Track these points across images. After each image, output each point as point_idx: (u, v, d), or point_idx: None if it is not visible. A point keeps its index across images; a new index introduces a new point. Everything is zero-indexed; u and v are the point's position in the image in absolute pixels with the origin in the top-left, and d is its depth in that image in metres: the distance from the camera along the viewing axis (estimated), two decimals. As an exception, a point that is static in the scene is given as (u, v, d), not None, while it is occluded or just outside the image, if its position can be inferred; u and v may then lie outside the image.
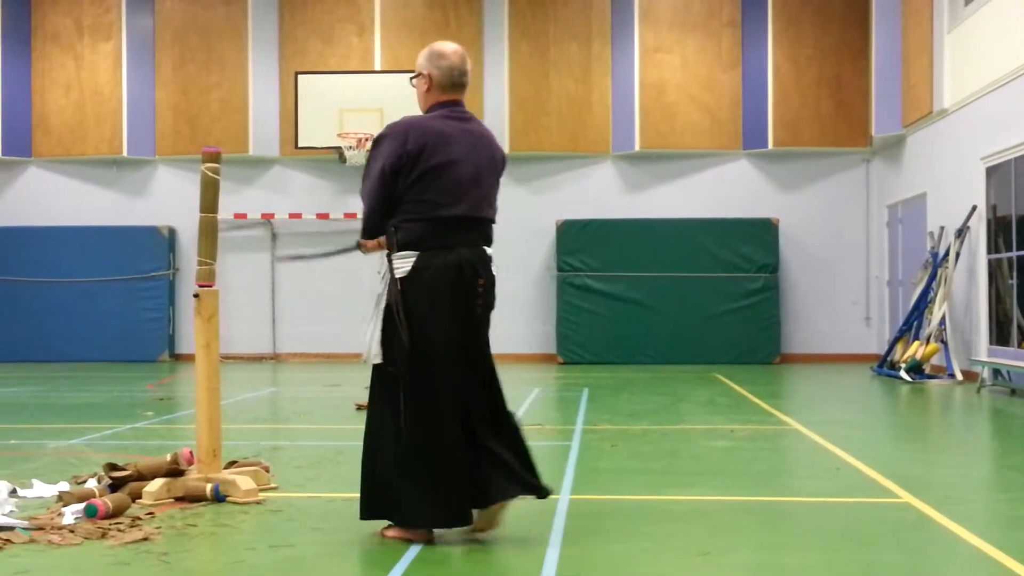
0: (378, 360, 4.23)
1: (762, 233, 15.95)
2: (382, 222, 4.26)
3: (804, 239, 16.32)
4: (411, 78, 4.42)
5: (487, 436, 4.22)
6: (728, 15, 16.34)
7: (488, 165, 4.35)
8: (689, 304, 15.87)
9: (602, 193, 16.58)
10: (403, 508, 4.17)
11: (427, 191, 4.19)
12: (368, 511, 4.29)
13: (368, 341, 4.26)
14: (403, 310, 4.15)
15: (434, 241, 4.18)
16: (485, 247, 4.32)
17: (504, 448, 4.24)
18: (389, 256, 4.23)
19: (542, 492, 4.30)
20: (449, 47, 4.38)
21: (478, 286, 4.25)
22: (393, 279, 4.20)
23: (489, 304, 4.33)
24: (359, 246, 4.44)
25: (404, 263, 4.18)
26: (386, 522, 4.32)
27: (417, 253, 4.17)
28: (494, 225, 4.41)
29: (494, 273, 4.35)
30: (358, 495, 4.38)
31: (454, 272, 4.18)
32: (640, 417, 8.79)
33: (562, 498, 5.15)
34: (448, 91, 4.33)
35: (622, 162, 16.63)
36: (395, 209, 4.23)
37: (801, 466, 6.57)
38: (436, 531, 4.25)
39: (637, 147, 16.20)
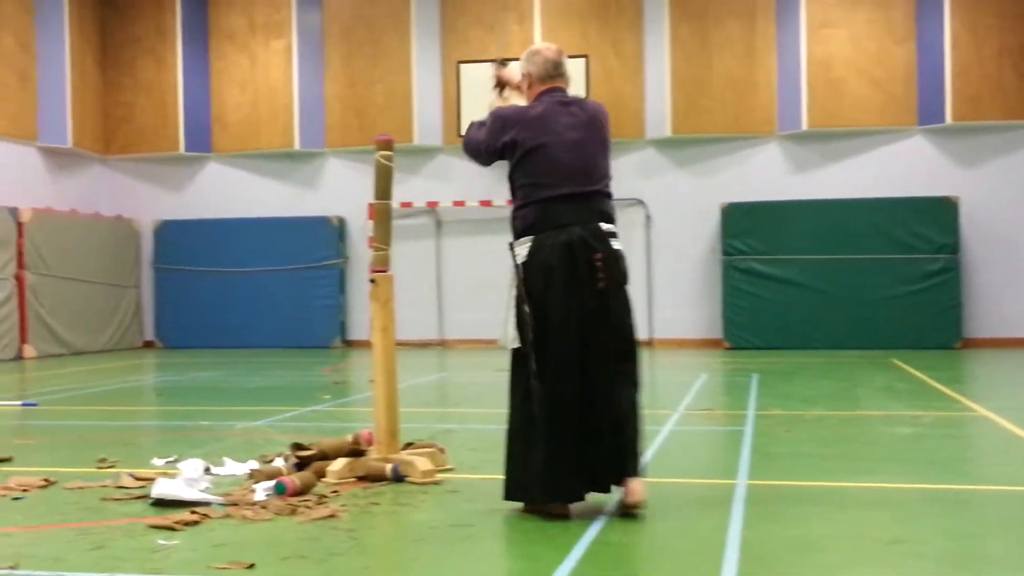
0: (516, 344, 4.39)
1: (940, 212, 15.25)
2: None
3: (987, 218, 15.51)
4: (517, 85, 4.67)
5: (606, 414, 4.32)
6: (901, -15, 15.67)
7: (591, 140, 4.46)
8: (862, 287, 15.33)
9: (768, 174, 16.19)
10: (530, 484, 4.34)
11: (530, 174, 4.40)
12: (507, 492, 4.45)
13: (504, 327, 4.46)
14: (525, 294, 4.33)
15: (544, 223, 4.35)
16: (601, 223, 4.38)
17: (610, 431, 4.32)
18: (511, 244, 4.45)
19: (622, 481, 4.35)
20: (543, 45, 4.64)
21: (595, 260, 4.30)
22: (516, 265, 4.40)
23: (615, 278, 4.36)
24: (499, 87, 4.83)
25: (522, 249, 4.39)
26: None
27: (532, 237, 4.37)
28: (610, 199, 4.48)
29: (616, 247, 4.39)
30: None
31: (564, 250, 4.30)
32: (815, 403, 8.55)
33: (739, 483, 5.05)
34: (546, 83, 4.55)
35: (788, 142, 16.19)
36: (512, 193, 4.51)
37: (992, 453, 6.26)
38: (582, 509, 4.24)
39: (804, 126, 15.73)
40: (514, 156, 4.44)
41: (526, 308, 4.32)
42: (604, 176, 4.49)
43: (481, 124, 4.65)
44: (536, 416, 4.30)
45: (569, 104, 4.50)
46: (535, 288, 4.32)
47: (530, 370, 4.33)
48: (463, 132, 15.98)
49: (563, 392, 4.28)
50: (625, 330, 4.41)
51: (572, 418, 4.28)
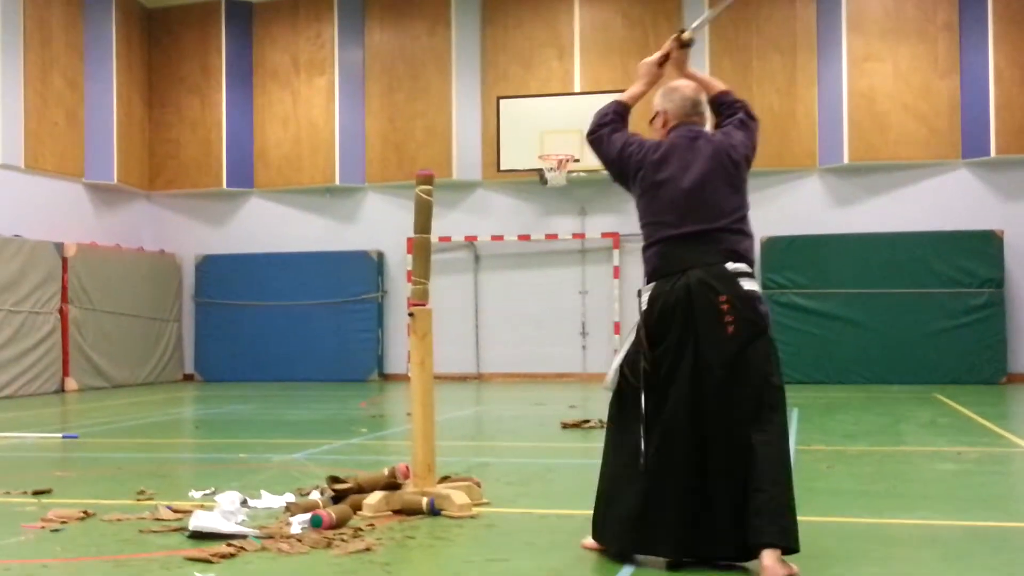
0: (611, 387, 4.16)
1: (985, 246, 15.05)
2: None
3: (1033, 252, 15.30)
4: (650, 121, 4.39)
5: (723, 477, 3.89)
6: (944, 19, 15.59)
7: (715, 174, 4.13)
8: (905, 321, 15.14)
9: (809, 208, 16.09)
10: (619, 530, 4.09)
11: (650, 214, 4.18)
12: (595, 532, 4.23)
13: (612, 367, 4.20)
14: (645, 343, 4.04)
15: (665, 268, 4.09)
16: (728, 263, 4.02)
17: (734, 495, 3.86)
18: (639, 291, 4.20)
19: (748, 554, 3.87)
20: (682, 82, 4.38)
21: (720, 304, 3.95)
22: (640, 311, 4.13)
23: (748, 320, 3.96)
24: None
25: (645, 296, 4.13)
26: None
27: (653, 284, 4.10)
28: (742, 235, 4.12)
29: (748, 287, 4.01)
30: (570, 512, 4.48)
31: (682, 296, 3.98)
32: (856, 438, 8.42)
33: (780, 519, 4.96)
34: (682, 119, 4.30)
35: (830, 176, 16.09)
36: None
37: (1039, 492, 6.13)
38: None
39: (846, 160, 15.64)
40: (635, 192, 4.27)
41: (642, 357, 4.02)
42: (732, 211, 4.12)
43: (614, 121, 4.40)
44: (634, 464, 4.00)
45: (696, 138, 4.22)
46: (653, 336, 4.02)
47: (640, 421, 4.00)
48: (502, 168, 16.07)
49: (669, 448, 3.92)
50: (768, 379, 3.97)
51: (676, 473, 3.91)
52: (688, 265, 4.03)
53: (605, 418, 4.36)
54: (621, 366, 4.14)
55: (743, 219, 4.16)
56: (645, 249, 4.22)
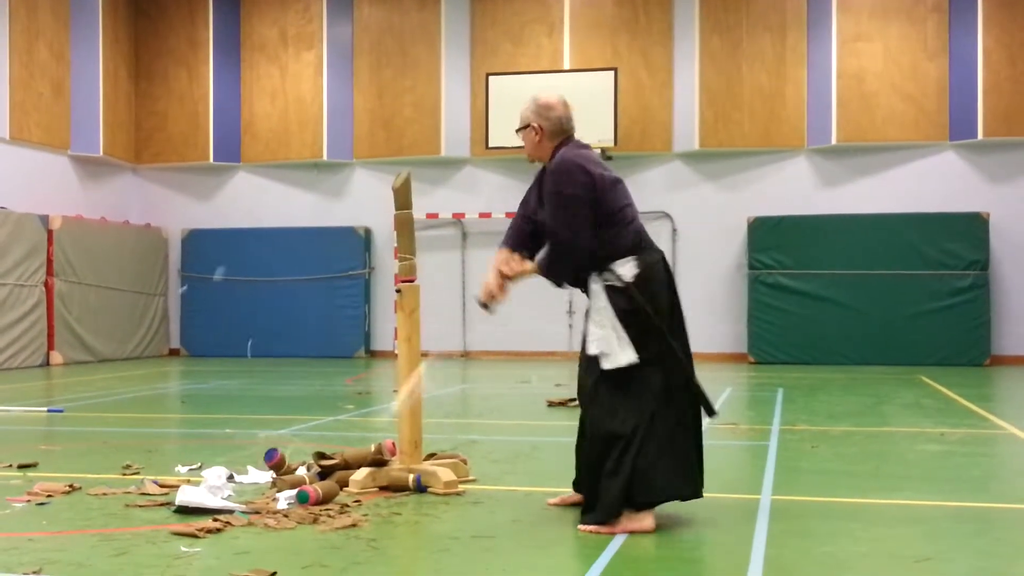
0: (634, 359, 4.27)
1: (970, 228, 15.12)
2: (588, 253, 4.40)
3: (1017, 234, 15.36)
4: (517, 130, 4.72)
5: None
6: (933, 0, 15.59)
7: None
8: (890, 303, 15.21)
9: (796, 188, 16.11)
10: (656, 486, 4.24)
11: (622, 200, 4.47)
12: (652, 492, 4.28)
13: (607, 346, 4.32)
14: (651, 308, 4.32)
15: (643, 244, 4.45)
16: None
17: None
18: (606, 267, 4.36)
19: None
20: (553, 98, 4.68)
21: None
22: (621, 286, 4.33)
23: None
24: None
25: (627, 268, 4.36)
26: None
27: (635, 257, 4.39)
28: None
29: None
30: (556, 489, 4.50)
31: (666, 267, 4.49)
32: (840, 419, 8.47)
33: (764, 498, 5.00)
34: (558, 137, 4.63)
35: (817, 156, 16.11)
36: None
37: (1021, 471, 6.17)
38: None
39: (834, 140, 15.66)
40: (602, 190, 4.41)
41: (654, 321, 4.31)
42: None
43: (554, 253, 4.50)
44: (675, 416, 4.34)
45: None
46: (655, 300, 4.36)
47: (686, 372, 4.36)
48: (490, 145, 15.99)
49: (692, 401, 4.42)
50: None
51: (698, 422, 4.49)
52: (654, 244, 4.54)
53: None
54: (635, 343, 4.32)
55: None
56: (623, 231, 4.40)
